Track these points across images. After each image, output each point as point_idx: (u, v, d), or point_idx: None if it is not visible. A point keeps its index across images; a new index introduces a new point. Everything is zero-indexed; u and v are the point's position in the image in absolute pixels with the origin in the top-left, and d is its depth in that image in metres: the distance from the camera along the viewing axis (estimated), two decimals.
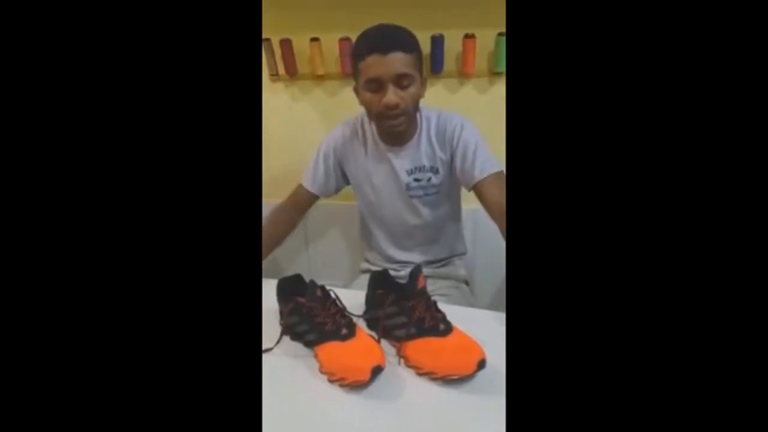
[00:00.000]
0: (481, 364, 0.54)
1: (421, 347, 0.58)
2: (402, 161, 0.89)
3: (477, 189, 0.84)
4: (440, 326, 0.58)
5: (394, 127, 0.80)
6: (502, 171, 0.83)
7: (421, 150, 0.88)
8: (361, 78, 0.77)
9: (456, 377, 0.55)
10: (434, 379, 0.56)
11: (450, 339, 0.57)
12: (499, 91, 1.13)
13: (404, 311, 0.60)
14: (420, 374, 0.57)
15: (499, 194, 0.79)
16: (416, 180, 0.90)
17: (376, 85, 0.76)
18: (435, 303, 0.62)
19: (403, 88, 0.76)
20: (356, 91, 0.84)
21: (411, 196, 0.91)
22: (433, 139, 0.88)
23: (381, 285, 0.65)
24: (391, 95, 0.75)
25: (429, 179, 0.89)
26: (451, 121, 0.87)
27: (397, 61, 0.74)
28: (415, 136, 0.88)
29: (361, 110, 0.86)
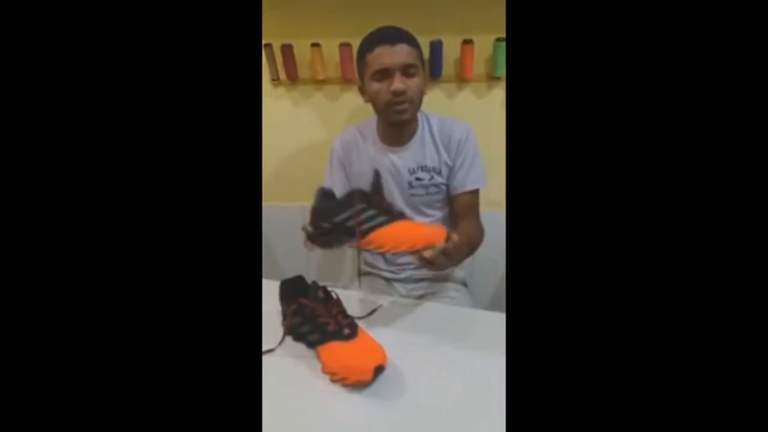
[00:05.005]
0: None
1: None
2: (404, 161, 0.91)
3: (455, 197, 0.92)
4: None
5: (401, 114, 0.83)
6: (479, 188, 0.93)
7: (425, 150, 0.91)
8: (369, 70, 0.82)
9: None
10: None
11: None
12: (496, 95, 1.15)
13: (372, 206, 0.63)
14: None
15: (470, 213, 0.92)
16: (418, 179, 0.91)
17: (384, 75, 0.80)
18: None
19: (409, 76, 0.80)
20: (361, 90, 0.88)
21: (412, 195, 0.92)
22: (438, 141, 0.90)
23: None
24: (399, 82, 0.79)
25: (431, 178, 0.91)
26: (457, 127, 0.90)
27: (404, 51, 0.79)
28: (416, 136, 0.91)
29: (361, 116, 0.88)
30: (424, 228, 0.65)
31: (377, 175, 0.65)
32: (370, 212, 0.63)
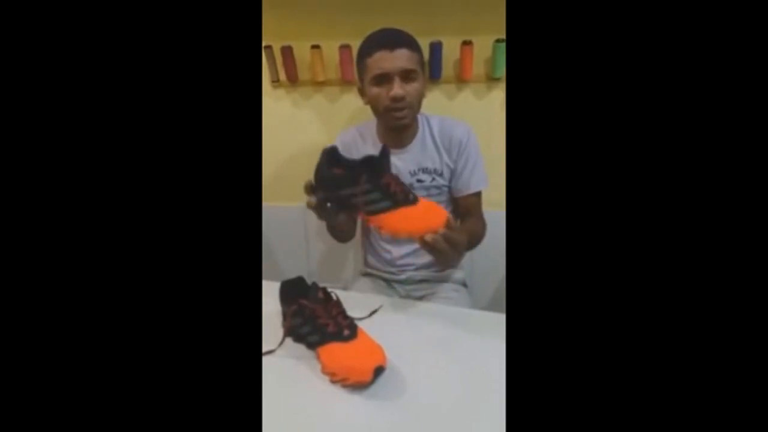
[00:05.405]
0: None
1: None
2: (404, 163, 0.91)
3: (460, 199, 0.93)
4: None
5: (400, 119, 0.83)
6: (482, 189, 0.93)
7: (425, 152, 0.91)
8: (368, 74, 0.81)
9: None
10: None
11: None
12: (496, 96, 1.15)
13: (378, 188, 0.62)
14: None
15: (475, 213, 0.93)
16: (419, 181, 0.91)
17: (383, 80, 0.80)
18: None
19: (408, 82, 0.80)
20: (361, 92, 0.88)
21: None
22: (438, 142, 0.91)
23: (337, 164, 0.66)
24: (398, 88, 0.79)
25: (433, 180, 0.91)
26: (458, 128, 0.90)
27: (403, 56, 0.79)
28: (417, 138, 0.91)
29: (361, 117, 0.88)
30: (423, 221, 0.63)
31: (385, 152, 0.63)
32: (375, 194, 0.62)
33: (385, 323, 0.71)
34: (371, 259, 1.05)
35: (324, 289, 0.65)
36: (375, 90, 0.81)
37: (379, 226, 0.64)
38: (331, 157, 0.66)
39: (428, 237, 0.62)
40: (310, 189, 0.66)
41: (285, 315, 0.67)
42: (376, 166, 0.62)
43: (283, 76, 1.20)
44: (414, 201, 0.63)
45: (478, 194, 0.93)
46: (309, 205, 0.67)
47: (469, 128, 0.91)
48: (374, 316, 0.73)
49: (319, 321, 0.61)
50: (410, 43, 0.81)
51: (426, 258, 0.99)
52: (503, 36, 1.04)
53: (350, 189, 0.63)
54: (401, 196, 0.62)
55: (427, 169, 0.91)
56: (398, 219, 0.62)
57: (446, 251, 0.63)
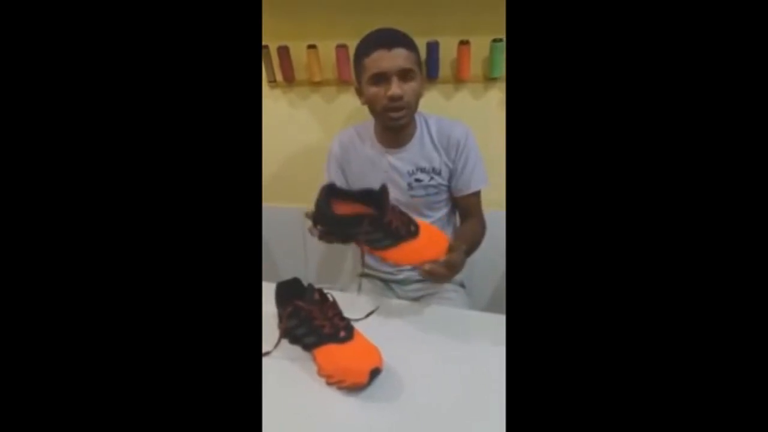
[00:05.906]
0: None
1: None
2: (402, 162, 0.91)
3: (460, 199, 0.94)
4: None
5: (398, 119, 0.83)
6: (482, 188, 0.94)
7: (423, 152, 0.90)
8: (366, 74, 0.81)
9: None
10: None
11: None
12: (493, 96, 1.15)
13: (380, 229, 0.63)
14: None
15: (475, 212, 0.94)
16: (417, 180, 0.91)
17: (381, 79, 0.80)
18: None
19: (406, 81, 0.80)
20: (358, 91, 0.87)
21: (412, 197, 0.92)
22: (436, 142, 0.90)
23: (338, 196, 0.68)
24: (396, 87, 0.79)
25: (431, 179, 0.91)
26: (456, 128, 0.90)
27: (401, 56, 0.79)
28: (415, 138, 0.90)
29: (359, 117, 0.87)
30: (425, 252, 0.65)
31: (385, 189, 0.64)
32: (377, 235, 0.63)
33: (382, 324, 0.71)
34: (369, 260, 1.04)
35: (320, 290, 0.64)
36: (373, 89, 0.81)
37: (381, 258, 0.66)
38: (329, 191, 0.67)
39: (427, 266, 0.65)
40: (312, 218, 0.67)
41: (281, 316, 0.66)
42: (375, 204, 0.63)
43: (279, 76, 1.20)
44: (415, 233, 0.64)
45: (477, 194, 0.94)
46: (311, 233, 0.68)
47: (467, 128, 0.91)
48: (371, 317, 0.73)
49: (315, 322, 0.61)
50: (408, 43, 0.81)
51: None
52: (500, 36, 1.03)
53: (352, 229, 0.64)
54: (403, 230, 0.63)
55: (425, 168, 0.91)
56: (401, 253, 0.64)
57: (445, 276, 0.67)
